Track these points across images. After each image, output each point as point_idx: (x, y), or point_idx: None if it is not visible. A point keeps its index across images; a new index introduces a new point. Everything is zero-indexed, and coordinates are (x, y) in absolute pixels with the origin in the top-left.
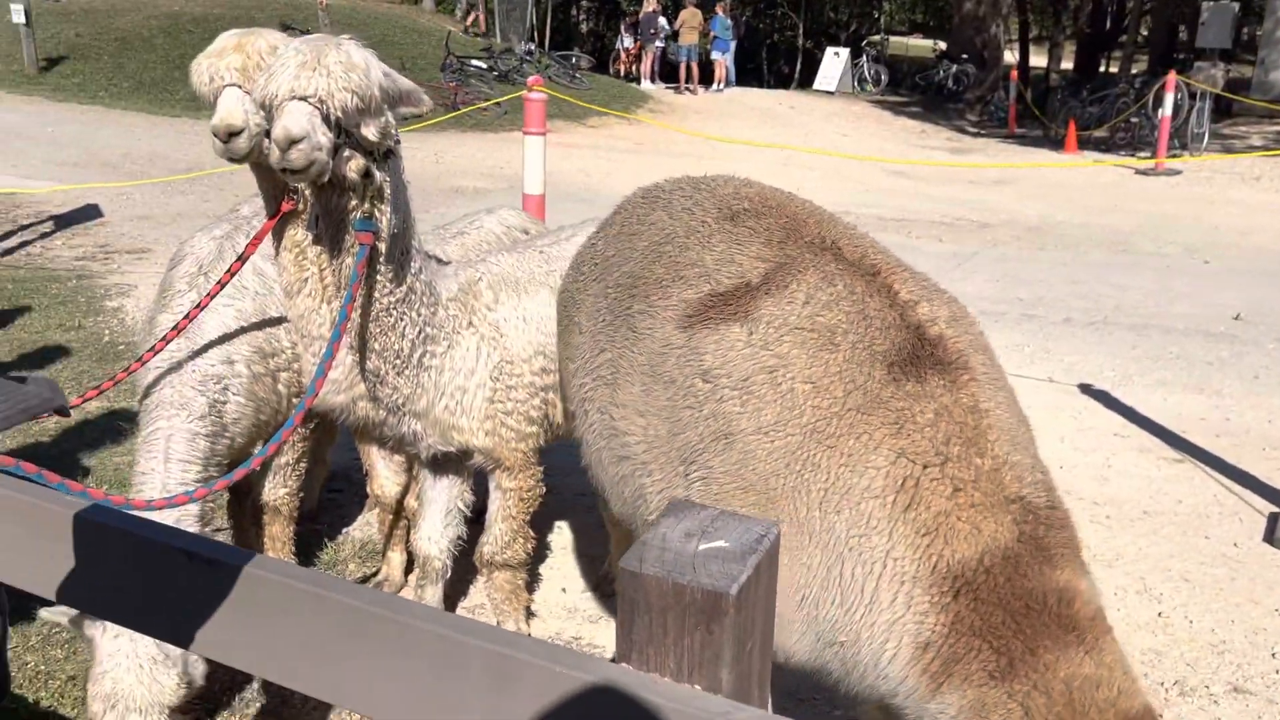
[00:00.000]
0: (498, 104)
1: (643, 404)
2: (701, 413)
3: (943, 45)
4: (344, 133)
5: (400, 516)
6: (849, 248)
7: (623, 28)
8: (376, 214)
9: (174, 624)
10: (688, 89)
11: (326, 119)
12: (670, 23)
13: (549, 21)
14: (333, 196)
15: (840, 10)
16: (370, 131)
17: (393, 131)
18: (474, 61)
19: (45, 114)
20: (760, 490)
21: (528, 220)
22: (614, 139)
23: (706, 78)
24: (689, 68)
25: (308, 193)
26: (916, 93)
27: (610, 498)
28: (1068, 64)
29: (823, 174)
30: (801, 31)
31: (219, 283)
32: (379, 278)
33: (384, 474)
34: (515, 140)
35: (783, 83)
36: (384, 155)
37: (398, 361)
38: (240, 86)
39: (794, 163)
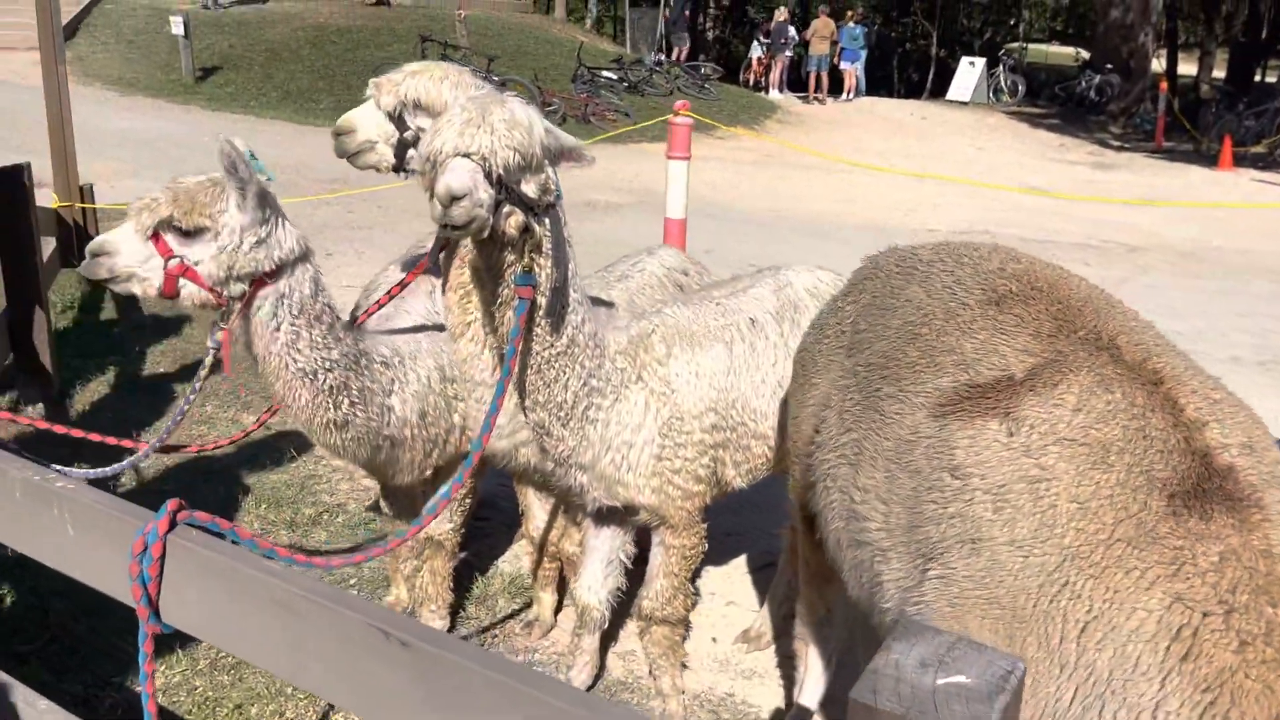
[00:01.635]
0: (626, 114)
1: (885, 490)
2: (947, 510)
3: (1085, 54)
4: (505, 189)
5: (553, 558)
6: (1129, 347)
7: (756, 38)
8: (536, 268)
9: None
10: (816, 98)
11: (489, 176)
12: (800, 32)
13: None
14: (493, 251)
15: (974, 18)
16: (531, 188)
17: (553, 187)
18: (604, 72)
19: (201, 123)
20: (1006, 606)
21: (687, 261)
22: (741, 150)
23: (836, 87)
24: (819, 77)
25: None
26: (1055, 103)
27: (848, 580)
28: (1219, 73)
29: (959, 189)
30: (935, 40)
31: (388, 293)
32: (539, 330)
33: (540, 516)
34: (644, 152)
35: (913, 92)
36: (545, 210)
37: (561, 413)
38: (375, 99)
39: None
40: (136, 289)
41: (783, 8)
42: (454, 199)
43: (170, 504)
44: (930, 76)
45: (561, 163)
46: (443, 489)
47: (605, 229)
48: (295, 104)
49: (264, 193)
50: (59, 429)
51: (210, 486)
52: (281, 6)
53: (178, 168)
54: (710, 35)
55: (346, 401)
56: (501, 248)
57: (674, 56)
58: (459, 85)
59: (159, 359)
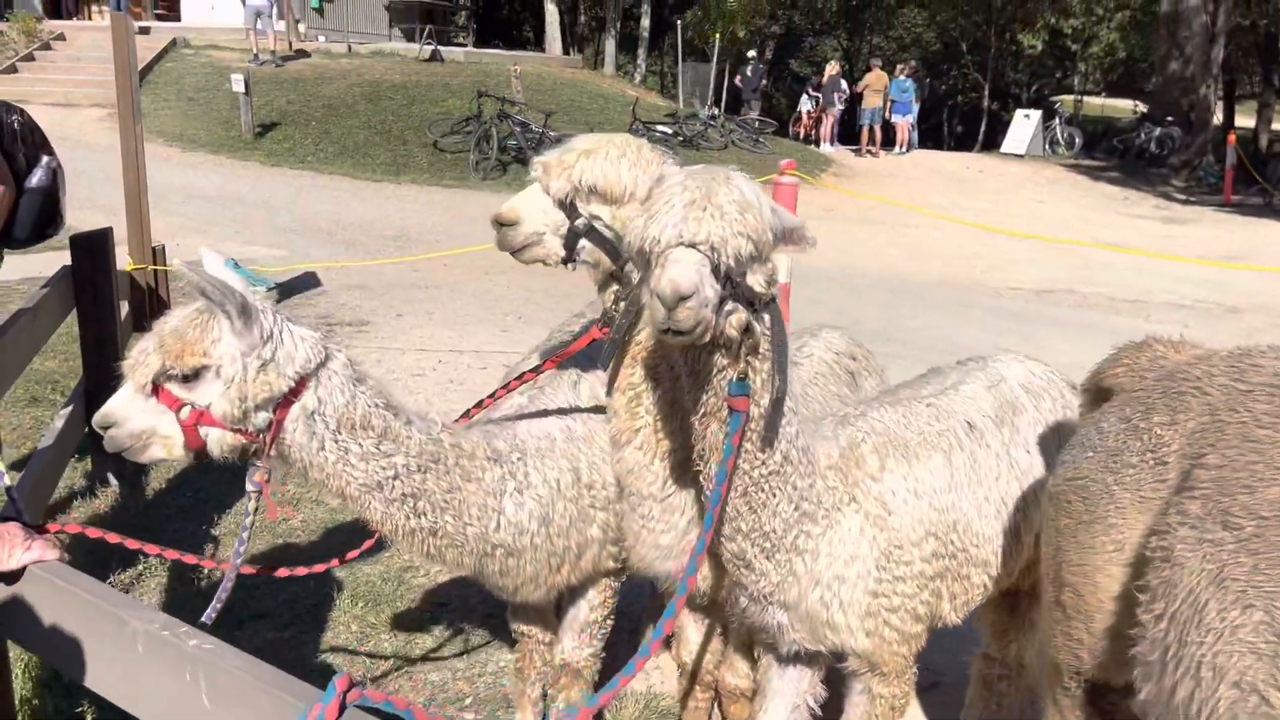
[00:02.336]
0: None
1: None
2: None
3: (1143, 106)
4: (731, 283)
5: (708, 687)
6: None
7: (805, 92)
8: (751, 374)
9: None
10: (869, 151)
11: (715, 269)
12: (851, 86)
13: (724, 84)
14: (702, 354)
15: (1022, 70)
16: (758, 280)
17: (776, 276)
18: (659, 127)
19: (261, 178)
20: None
21: (851, 344)
22: (802, 204)
23: (887, 140)
24: (871, 130)
25: (643, 341)
26: (1114, 156)
27: None
28: (1278, 125)
29: (1028, 244)
30: (986, 92)
31: (518, 376)
32: (748, 447)
33: (694, 638)
34: None
35: (963, 144)
36: (765, 305)
37: (766, 544)
38: (541, 183)
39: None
40: (161, 452)
41: (834, 61)
42: (681, 299)
43: (339, 683)
44: (982, 129)
45: (783, 245)
46: (650, 634)
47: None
48: (352, 159)
49: (249, 306)
50: (131, 543)
51: (299, 581)
52: (337, 64)
53: (241, 223)
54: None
55: (429, 506)
56: (713, 350)
57: (757, 125)
58: (639, 163)
59: None
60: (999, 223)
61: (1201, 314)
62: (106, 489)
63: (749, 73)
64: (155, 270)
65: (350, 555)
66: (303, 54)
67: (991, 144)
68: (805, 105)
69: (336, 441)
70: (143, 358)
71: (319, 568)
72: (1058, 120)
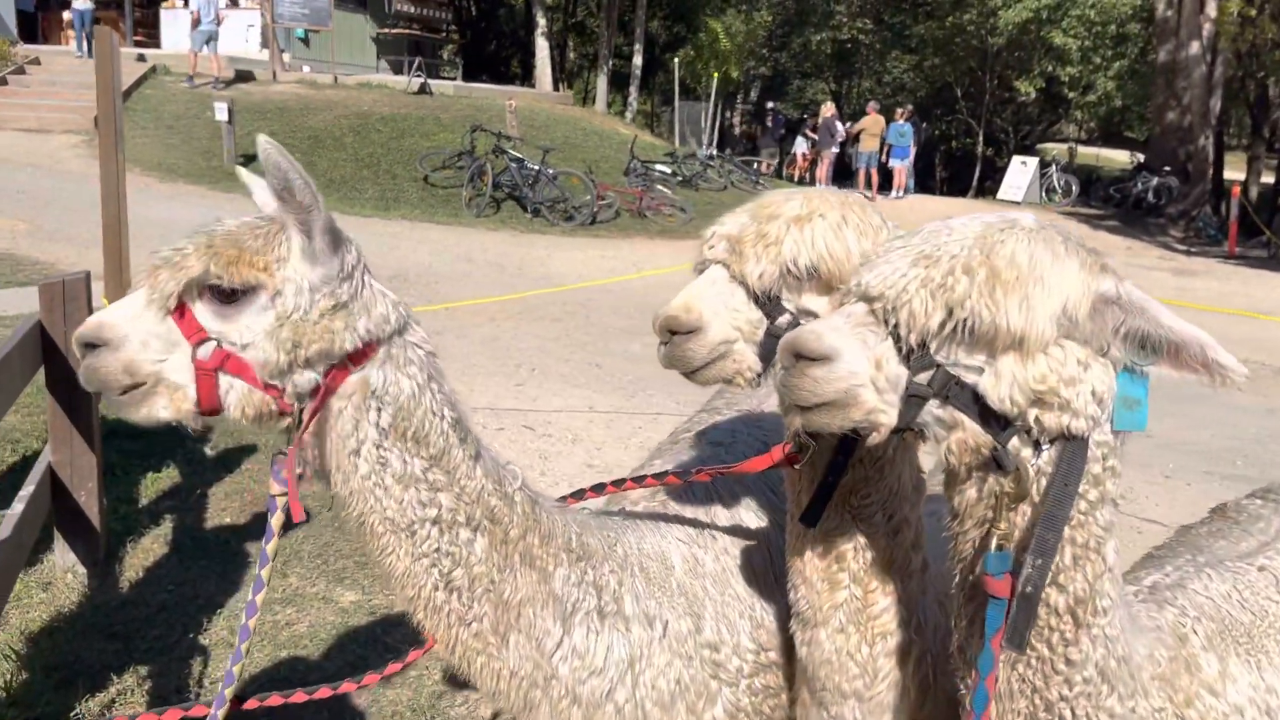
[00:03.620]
0: (682, 210)
1: None
2: None
3: (1139, 156)
4: (940, 373)
5: None
6: None
7: (801, 134)
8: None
9: None
10: (867, 195)
11: (899, 342)
12: (845, 128)
13: (718, 124)
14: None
15: (1007, 118)
16: (996, 385)
17: (1085, 404)
18: (658, 166)
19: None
20: None
21: None
22: None
23: (883, 184)
24: (869, 174)
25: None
26: (1110, 205)
27: None
28: (1267, 178)
29: None
30: (981, 138)
31: (654, 474)
32: (1041, 651)
33: None
34: None
35: (952, 189)
36: (1047, 436)
37: None
38: (727, 266)
39: None
40: (163, 408)
41: (829, 103)
42: (800, 357)
43: None
44: (976, 175)
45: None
46: None
47: None
48: (339, 192)
49: (337, 229)
50: None
51: (308, 711)
52: (323, 94)
53: None
54: (737, 131)
55: (468, 582)
56: (954, 483)
57: (760, 168)
58: (866, 231)
59: (224, 505)
60: None
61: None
62: (72, 578)
63: (769, 123)
64: None
65: (369, 679)
66: (248, 77)
67: (984, 190)
68: (800, 147)
69: (379, 447)
70: (176, 257)
71: (325, 691)
72: (1054, 167)
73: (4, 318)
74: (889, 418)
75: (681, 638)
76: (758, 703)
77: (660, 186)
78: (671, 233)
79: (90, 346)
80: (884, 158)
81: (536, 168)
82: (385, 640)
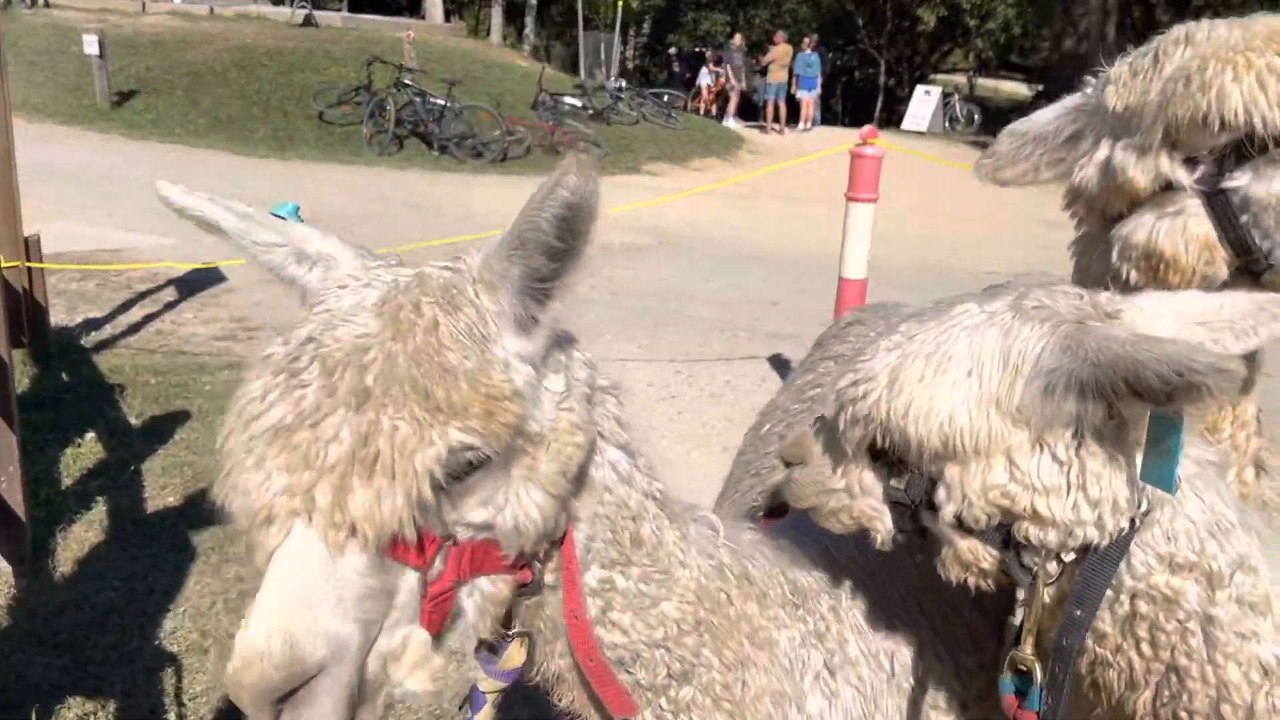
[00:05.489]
0: (596, 144)
1: None
2: None
3: (1039, 86)
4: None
5: None
6: None
7: (705, 66)
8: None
9: None
10: (774, 129)
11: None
12: (751, 60)
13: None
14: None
15: (908, 46)
16: (948, 500)
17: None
18: (567, 99)
19: (127, 153)
20: None
21: None
22: (729, 184)
23: (790, 116)
24: (777, 106)
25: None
26: None
27: None
28: None
29: (982, 223)
30: (883, 68)
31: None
32: None
33: None
34: (631, 185)
35: (856, 120)
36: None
37: None
38: None
39: (933, 212)
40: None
41: (737, 36)
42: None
43: None
44: (880, 106)
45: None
46: None
47: (635, 276)
48: (228, 132)
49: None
50: None
51: None
52: (200, 27)
53: (114, 206)
54: (631, 65)
55: (700, 698)
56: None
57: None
58: None
59: (163, 483)
60: (936, 204)
61: None
62: None
63: (675, 68)
64: (30, 268)
65: None
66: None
67: (889, 121)
68: (705, 79)
69: (605, 568)
70: (384, 444)
71: None
72: (956, 97)
73: None
74: (882, 523)
75: (908, 668)
76: None
77: (571, 120)
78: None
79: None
80: (791, 89)
81: (442, 102)
82: None
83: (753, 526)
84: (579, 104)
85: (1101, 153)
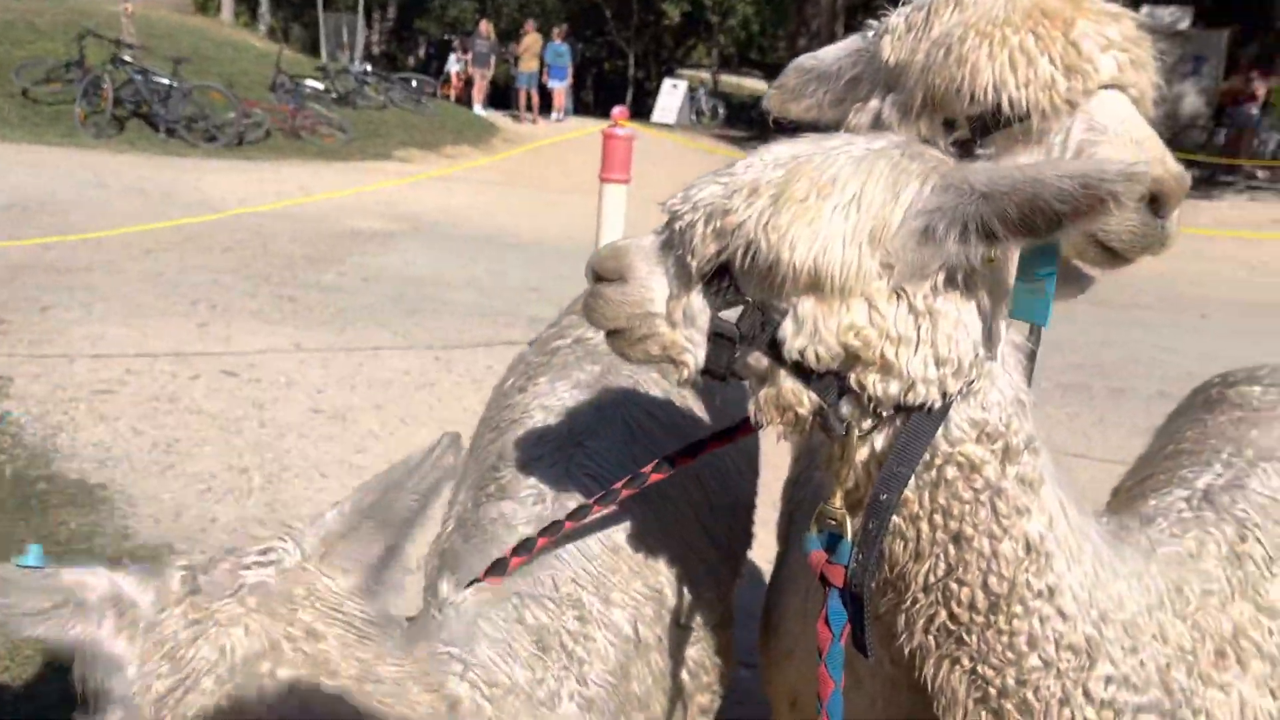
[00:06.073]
0: (342, 130)
1: None
2: None
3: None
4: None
5: None
6: None
7: (452, 52)
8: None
9: None
10: (528, 118)
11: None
12: (502, 48)
13: (368, 40)
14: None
15: (654, 40)
16: (796, 331)
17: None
18: (309, 82)
19: None
20: None
21: None
22: (481, 171)
23: (543, 106)
24: (529, 95)
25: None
26: (755, 128)
27: None
28: None
29: None
30: (632, 60)
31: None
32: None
33: None
34: (377, 170)
35: (609, 112)
36: (887, 406)
37: None
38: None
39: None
40: None
41: (485, 21)
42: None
43: None
44: (630, 98)
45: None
46: None
47: (388, 263)
48: None
49: None
50: None
51: None
52: None
53: None
54: (376, 49)
55: None
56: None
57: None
58: None
59: None
60: None
61: None
62: None
63: (422, 54)
64: None
65: None
66: None
67: (636, 113)
68: (454, 66)
69: None
70: None
71: None
72: (701, 91)
73: None
74: (693, 357)
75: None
76: None
77: (313, 104)
78: (333, 154)
79: None
80: (543, 79)
81: (168, 81)
82: None
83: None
84: (322, 87)
85: (874, 103)
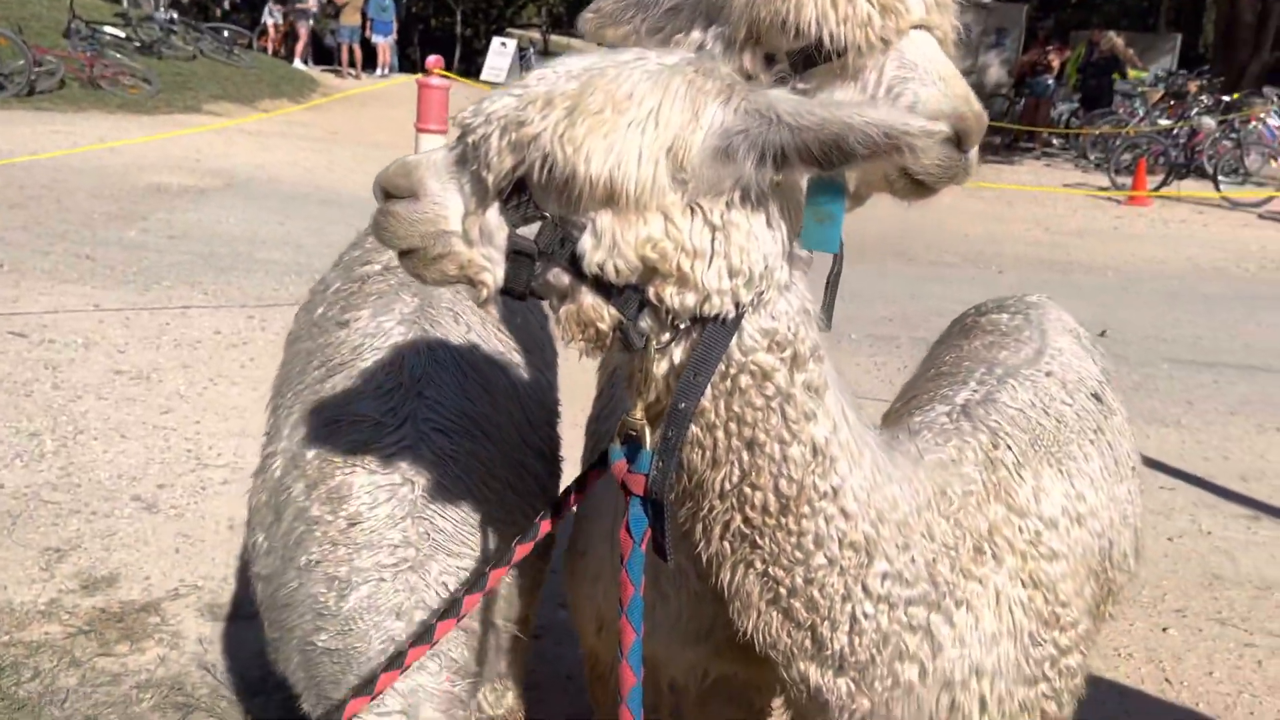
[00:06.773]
0: (147, 81)
1: None
2: None
3: None
4: (551, 228)
5: None
6: None
7: (268, 4)
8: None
9: None
10: (350, 73)
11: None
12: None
13: None
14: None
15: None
16: (595, 245)
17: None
18: (108, 29)
19: None
20: None
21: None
22: (301, 126)
23: (367, 62)
24: (351, 50)
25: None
26: None
27: None
28: None
29: None
30: (460, 18)
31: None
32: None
33: None
34: (183, 123)
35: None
36: (677, 316)
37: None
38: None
39: None
40: None
41: None
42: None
43: None
44: (458, 56)
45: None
46: None
47: (199, 219)
48: None
49: None
50: None
51: None
52: None
53: None
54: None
55: None
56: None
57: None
58: None
59: None
60: None
61: None
62: None
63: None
64: None
65: None
66: None
67: (466, 72)
68: (271, 18)
69: None
70: None
71: None
72: (531, 50)
73: None
74: (491, 276)
75: None
76: None
77: (114, 53)
78: (138, 106)
79: None
80: (366, 33)
81: None
82: None
83: None
84: (123, 35)
85: (695, 35)
